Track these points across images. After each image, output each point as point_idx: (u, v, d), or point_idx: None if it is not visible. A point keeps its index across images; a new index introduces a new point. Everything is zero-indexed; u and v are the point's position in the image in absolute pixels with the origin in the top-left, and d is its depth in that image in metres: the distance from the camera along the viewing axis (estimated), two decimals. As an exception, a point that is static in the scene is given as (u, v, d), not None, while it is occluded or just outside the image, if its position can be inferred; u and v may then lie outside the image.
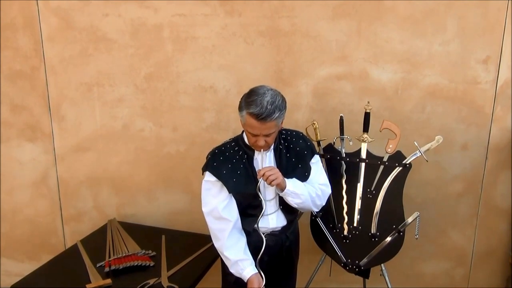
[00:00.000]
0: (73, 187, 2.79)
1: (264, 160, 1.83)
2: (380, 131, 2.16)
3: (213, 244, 1.93)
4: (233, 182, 1.82)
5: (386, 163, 2.14)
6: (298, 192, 1.81)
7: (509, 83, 2.33)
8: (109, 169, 2.73)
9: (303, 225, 2.16)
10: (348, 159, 2.19)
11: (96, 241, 2.43)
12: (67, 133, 2.71)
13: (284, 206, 1.90)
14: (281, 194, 1.83)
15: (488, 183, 2.48)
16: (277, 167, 1.83)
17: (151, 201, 2.76)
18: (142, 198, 2.76)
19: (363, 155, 2.18)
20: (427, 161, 2.12)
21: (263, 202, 1.82)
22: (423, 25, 2.31)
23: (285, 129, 1.94)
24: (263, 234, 1.85)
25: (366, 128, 2.19)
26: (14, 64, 2.64)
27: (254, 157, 1.86)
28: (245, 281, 1.80)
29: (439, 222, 2.56)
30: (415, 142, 2.13)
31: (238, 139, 1.90)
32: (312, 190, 1.87)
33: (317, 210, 1.96)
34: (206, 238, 2.37)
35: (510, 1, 2.22)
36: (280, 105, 1.71)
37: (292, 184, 1.81)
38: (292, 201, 1.82)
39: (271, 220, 1.90)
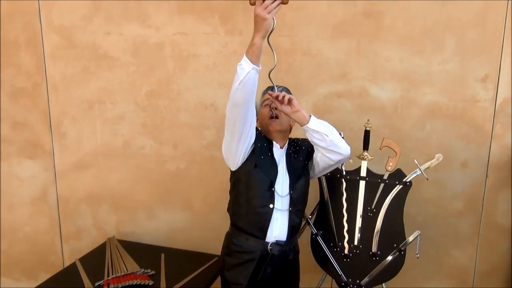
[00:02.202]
0: (72, 204, 2.78)
1: (279, 154, 1.89)
2: (380, 149, 2.15)
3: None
4: (260, 152, 1.84)
5: (387, 181, 2.13)
6: (323, 122, 1.82)
7: (508, 101, 2.34)
8: (109, 186, 2.73)
9: (304, 243, 2.14)
10: (348, 177, 2.17)
11: (95, 260, 2.41)
12: (68, 150, 2.71)
13: (294, 208, 1.89)
14: (303, 127, 1.80)
15: (489, 201, 2.47)
16: (288, 168, 1.88)
17: (150, 219, 2.74)
18: (141, 215, 2.75)
19: (363, 173, 2.16)
20: (427, 179, 2.11)
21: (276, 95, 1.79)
22: (422, 44, 2.33)
23: (294, 138, 2.01)
24: (269, 244, 1.84)
25: (366, 146, 2.19)
26: (16, 82, 2.66)
27: (273, 149, 1.91)
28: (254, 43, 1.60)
29: (441, 241, 2.54)
30: (415, 160, 2.12)
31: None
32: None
33: (342, 156, 1.86)
34: (206, 257, 2.38)
35: (507, 20, 2.25)
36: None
37: (314, 118, 1.81)
38: (317, 133, 1.79)
39: (276, 228, 1.87)
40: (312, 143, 1.86)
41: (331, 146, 1.83)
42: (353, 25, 2.37)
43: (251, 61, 1.60)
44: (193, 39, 2.48)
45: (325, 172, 2.03)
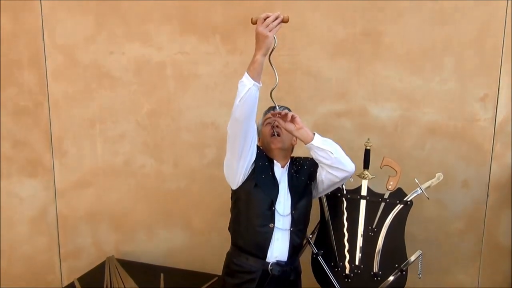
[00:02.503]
0: (72, 222, 2.76)
1: (280, 174, 1.89)
2: (381, 168, 2.14)
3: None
4: (260, 171, 1.83)
5: (387, 200, 2.11)
6: (327, 139, 1.82)
7: (508, 121, 2.35)
8: (109, 205, 2.71)
9: (305, 263, 2.12)
10: (349, 196, 2.15)
11: (94, 279, 2.39)
12: (68, 168, 2.71)
13: (295, 228, 1.88)
14: (308, 145, 1.80)
15: (490, 221, 2.45)
16: (289, 187, 1.88)
17: (150, 238, 2.72)
18: (141, 234, 2.73)
19: (364, 192, 2.15)
20: (428, 198, 2.10)
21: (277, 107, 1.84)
22: (421, 63, 2.36)
23: (296, 157, 2.01)
24: (269, 264, 1.82)
25: (366, 165, 2.18)
26: (18, 100, 2.67)
27: (274, 169, 1.90)
28: (256, 60, 1.65)
29: (442, 261, 2.52)
30: (415, 179, 2.10)
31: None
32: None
33: (348, 173, 1.86)
34: (205, 277, 2.36)
35: (505, 40, 2.27)
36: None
37: (318, 136, 1.81)
38: (321, 150, 1.79)
39: (277, 247, 1.86)
40: (316, 161, 1.86)
41: (336, 163, 1.83)
42: (353, 45, 2.39)
43: (252, 78, 1.64)
44: (195, 58, 2.50)
45: (329, 190, 2.03)
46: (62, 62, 2.59)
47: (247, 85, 1.64)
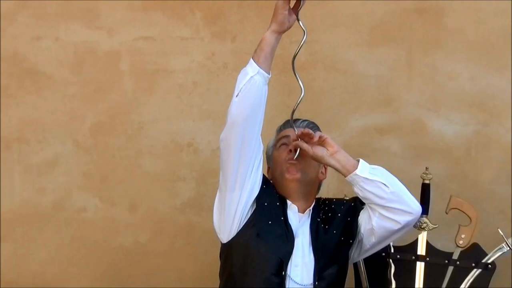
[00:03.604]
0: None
1: (297, 222, 1.89)
2: (447, 213, 2.16)
3: None
4: (267, 215, 1.85)
5: (458, 262, 2.11)
6: (376, 167, 1.84)
7: None
8: (31, 271, 2.66)
9: None
10: (398, 256, 2.14)
11: None
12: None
13: None
14: (350, 177, 1.81)
15: None
16: (312, 245, 1.87)
17: (94, 319, 2.68)
18: (80, 314, 2.69)
19: (422, 250, 2.15)
20: (519, 259, 2.09)
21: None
22: (502, 54, 2.38)
23: (325, 198, 2.03)
24: None
25: (425, 210, 2.16)
26: None
27: (288, 213, 1.90)
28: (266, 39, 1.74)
29: None
30: (499, 230, 2.09)
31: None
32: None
33: (412, 216, 1.86)
34: None
35: None
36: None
37: (364, 163, 1.83)
38: (371, 183, 1.80)
39: None
40: (363, 200, 1.86)
41: (394, 201, 1.81)
42: (401, 28, 2.42)
43: (257, 63, 1.71)
44: (164, 46, 2.50)
45: (381, 246, 1.99)
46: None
47: (249, 73, 1.70)
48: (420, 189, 2.18)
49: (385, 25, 2.42)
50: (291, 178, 1.89)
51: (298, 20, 1.77)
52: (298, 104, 1.82)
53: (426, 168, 2.20)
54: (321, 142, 1.83)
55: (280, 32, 1.74)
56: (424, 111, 2.43)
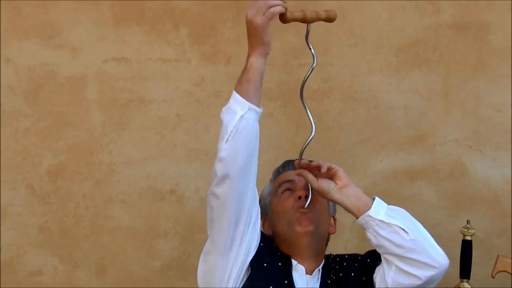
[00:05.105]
0: None
1: (305, 286, 1.81)
2: (493, 277, 2.07)
3: None
4: (267, 278, 1.75)
5: None
6: (395, 208, 1.74)
7: None
8: None
9: None
10: None
11: None
12: None
13: None
14: (362, 219, 1.71)
15: None
16: None
17: None
18: None
19: None
20: None
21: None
22: None
23: (336, 255, 1.93)
24: None
25: (466, 271, 2.10)
26: None
27: (293, 275, 1.81)
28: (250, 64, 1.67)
29: None
30: None
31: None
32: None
33: (436, 271, 1.71)
34: None
35: None
36: None
37: (380, 201, 1.73)
38: (387, 227, 1.69)
39: None
40: (377, 249, 1.74)
41: (413, 251, 1.68)
42: (435, 48, 2.36)
43: (245, 98, 1.63)
44: (140, 70, 2.41)
45: None
46: None
47: (237, 111, 1.62)
48: (460, 247, 2.12)
49: (416, 45, 2.35)
50: (303, 231, 1.79)
51: (307, 43, 1.72)
52: (308, 142, 1.74)
53: (468, 221, 2.12)
54: (331, 175, 1.73)
55: (268, 54, 1.67)
56: (465, 150, 2.37)
